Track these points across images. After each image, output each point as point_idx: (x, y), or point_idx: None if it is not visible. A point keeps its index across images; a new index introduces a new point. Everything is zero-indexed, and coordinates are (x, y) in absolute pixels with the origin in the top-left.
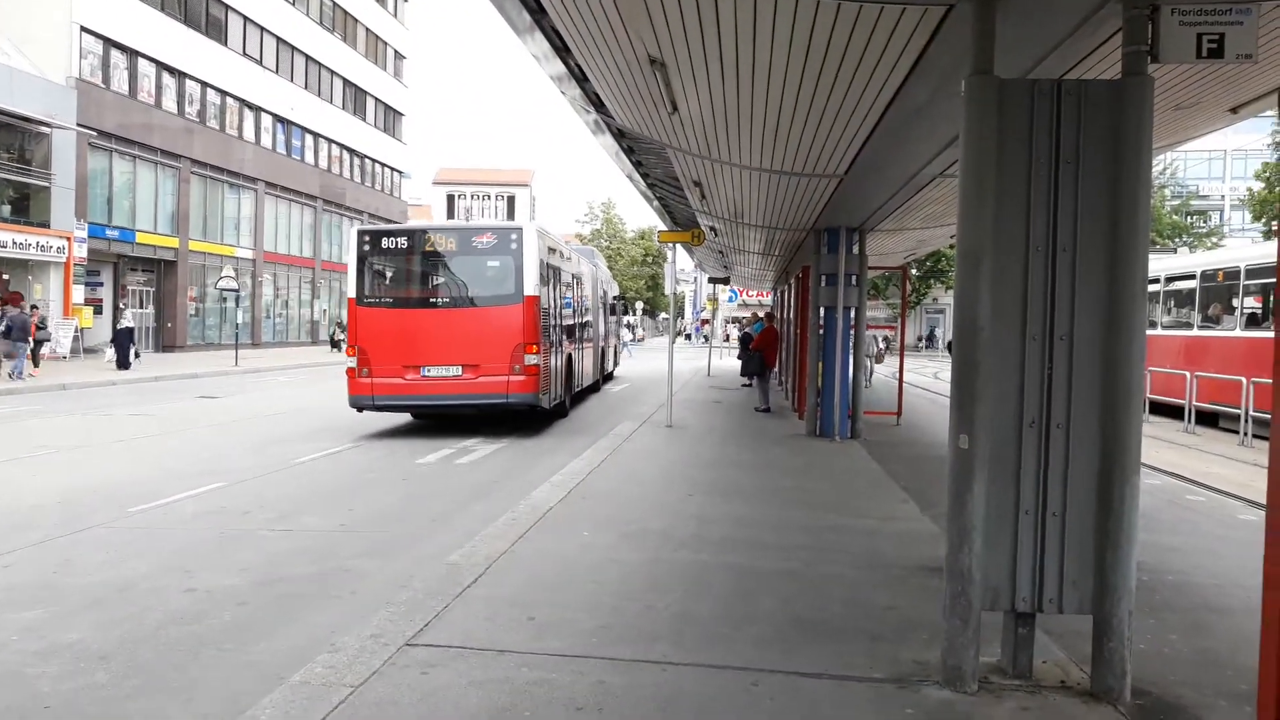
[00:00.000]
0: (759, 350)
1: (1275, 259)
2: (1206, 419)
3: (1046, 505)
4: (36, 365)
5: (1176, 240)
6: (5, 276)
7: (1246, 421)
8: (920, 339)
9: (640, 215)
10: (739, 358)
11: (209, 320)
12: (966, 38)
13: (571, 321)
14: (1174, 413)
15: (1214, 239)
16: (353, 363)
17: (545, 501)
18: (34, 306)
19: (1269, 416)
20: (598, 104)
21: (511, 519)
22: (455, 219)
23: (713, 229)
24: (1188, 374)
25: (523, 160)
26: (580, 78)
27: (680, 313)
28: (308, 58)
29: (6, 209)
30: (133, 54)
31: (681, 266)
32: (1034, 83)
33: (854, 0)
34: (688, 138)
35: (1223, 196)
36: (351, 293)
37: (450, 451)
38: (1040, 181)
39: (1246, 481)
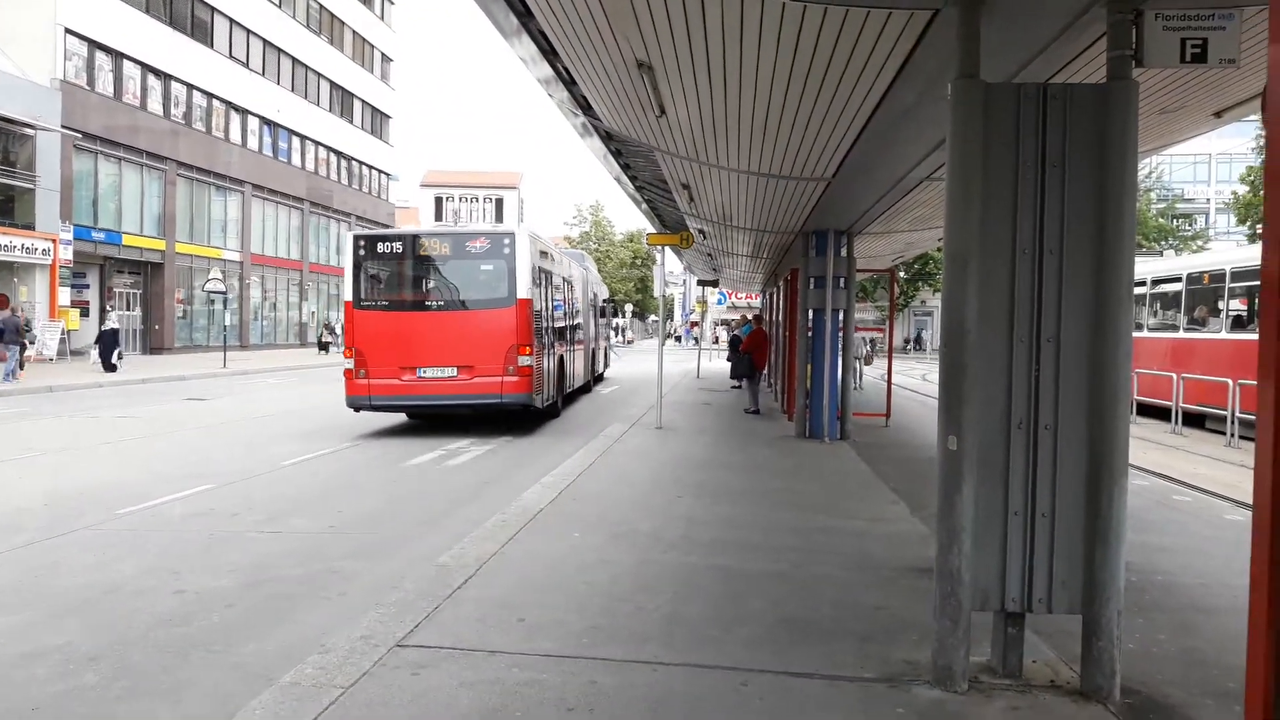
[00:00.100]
0: (748, 352)
1: (1260, 262)
2: (1193, 420)
3: (1035, 506)
4: (22, 368)
5: (1163, 243)
6: None
7: (1233, 423)
8: (907, 341)
9: (629, 218)
10: (728, 360)
11: (197, 322)
12: (952, 41)
13: (563, 324)
14: (1161, 414)
15: (1200, 242)
16: (350, 364)
17: (535, 503)
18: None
19: (1254, 418)
20: (585, 107)
21: (502, 520)
22: (443, 221)
23: (701, 231)
24: (1174, 376)
25: (511, 163)
26: (568, 81)
27: (670, 315)
28: (294, 60)
29: None
30: (118, 56)
31: (670, 269)
32: (1020, 86)
33: (840, 4)
34: (676, 141)
35: (1208, 200)
36: (348, 296)
37: (440, 453)
38: (1027, 185)
39: (1233, 482)
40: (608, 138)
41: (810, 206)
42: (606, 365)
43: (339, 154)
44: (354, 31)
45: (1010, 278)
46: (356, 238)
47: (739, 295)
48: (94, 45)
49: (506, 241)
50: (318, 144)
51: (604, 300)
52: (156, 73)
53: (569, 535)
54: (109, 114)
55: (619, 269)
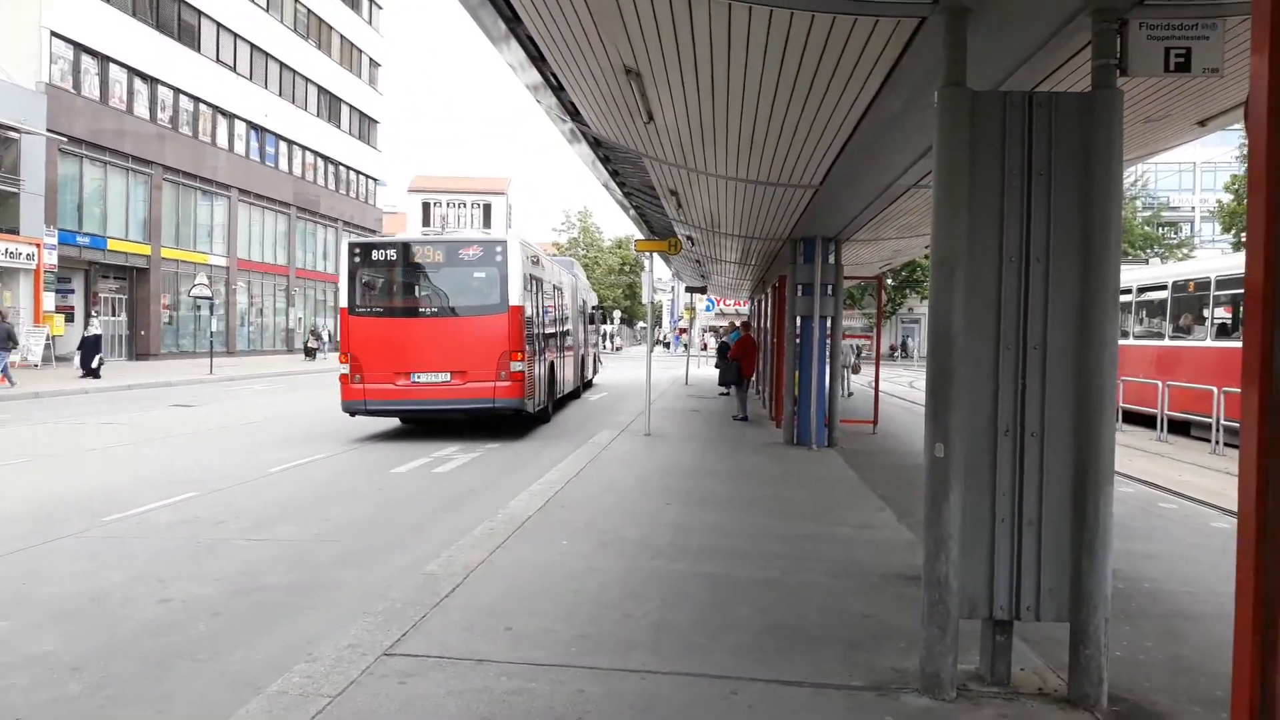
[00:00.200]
0: (736, 359)
1: (1244, 270)
2: (1178, 428)
3: (1022, 513)
4: (4, 374)
5: (1148, 251)
6: None
7: (1218, 430)
8: (893, 349)
9: (617, 224)
10: (716, 366)
11: (183, 328)
12: (939, 50)
13: (553, 330)
14: (1147, 422)
15: (1185, 250)
16: (345, 369)
17: (523, 511)
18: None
19: (1239, 425)
20: (574, 113)
21: (489, 528)
22: (431, 227)
23: (690, 238)
24: (1160, 383)
25: (499, 168)
26: (556, 87)
27: (658, 321)
28: (282, 64)
29: None
30: (104, 59)
31: (659, 275)
32: (1006, 95)
33: (827, 12)
34: (664, 147)
35: (1193, 208)
36: (344, 303)
37: (428, 460)
38: (1013, 192)
39: (1218, 489)
40: (596, 144)
41: (798, 213)
42: (595, 371)
43: (326, 159)
44: (342, 36)
45: (997, 285)
46: (351, 245)
47: (727, 302)
48: (79, 48)
49: (499, 249)
50: (305, 149)
51: (593, 307)
52: (143, 76)
53: (557, 543)
54: (94, 118)
55: (607, 275)
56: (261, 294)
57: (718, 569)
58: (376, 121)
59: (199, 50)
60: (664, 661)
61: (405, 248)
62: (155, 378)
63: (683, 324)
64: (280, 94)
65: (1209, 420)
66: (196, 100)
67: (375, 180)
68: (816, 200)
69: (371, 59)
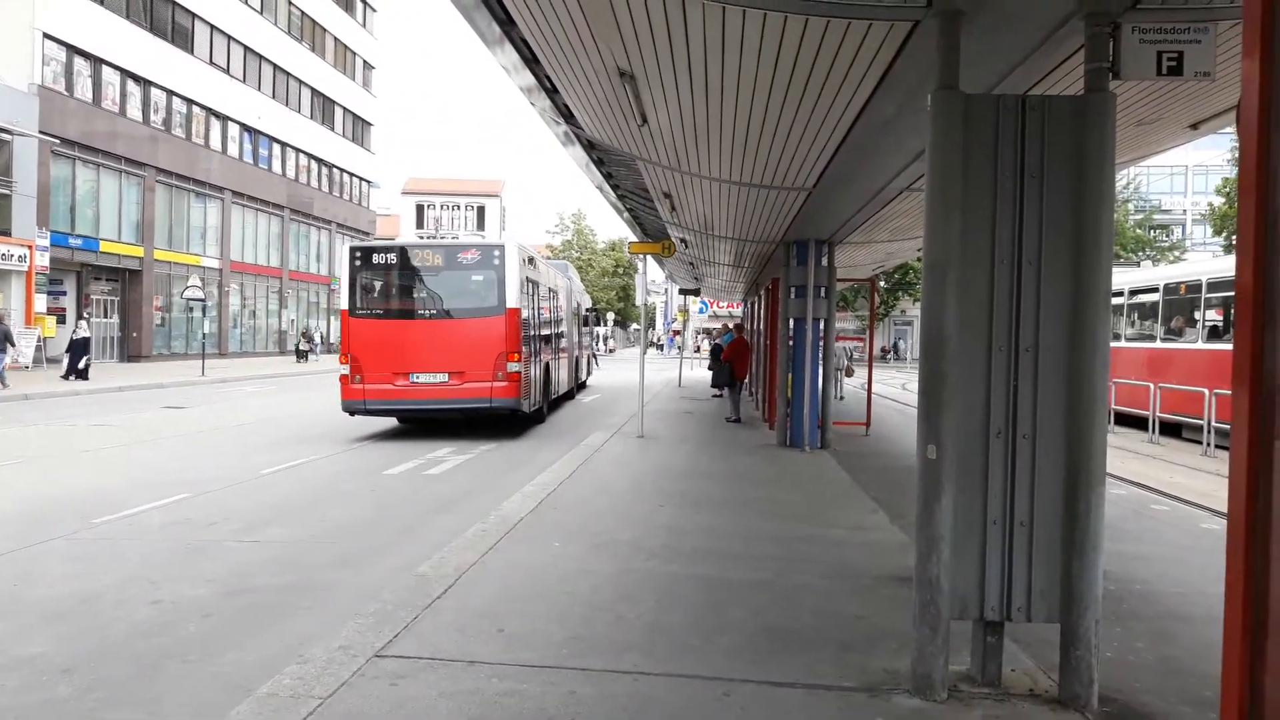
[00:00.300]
0: (729, 361)
1: (1235, 272)
2: (1170, 430)
3: (1014, 515)
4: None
5: (1140, 254)
6: None
7: (1209, 432)
8: (885, 350)
9: (611, 226)
10: (709, 368)
11: (175, 330)
12: (932, 53)
13: (549, 332)
14: (1138, 424)
15: (1176, 253)
16: (345, 370)
17: (515, 512)
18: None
19: (1230, 427)
20: (568, 116)
21: (482, 530)
22: (425, 229)
23: (683, 241)
24: (1151, 385)
25: (493, 171)
26: (550, 89)
27: (651, 324)
28: (275, 67)
29: None
30: (97, 61)
31: (652, 278)
32: (999, 98)
33: (821, 15)
34: (657, 150)
35: (1185, 211)
36: (344, 305)
37: (421, 461)
38: (1005, 195)
39: (1209, 491)
40: (590, 146)
41: (791, 216)
42: (590, 373)
43: (320, 161)
44: (335, 38)
45: (989, 287)
46: (352, 249)
47: (721, 304)
48: (72, 50)
49: (496, 253)
50: (298, 151)
51: (587, 309)
52: (136, 78)
53: (550, 545)
54: (87, 120)
55: (601, 277)
56: (254, 296)
57: (711, 571)
58: (370, 124)
59: (192, 52)
60: (657, 663)
61: (405, 251)
62: (147, 379)
63: (676, 326)
64: (274, 96)
65: (1200, 422)
66: (190, 102)
67: (369, 182)
68: (810, 203)
69: (365, 61)
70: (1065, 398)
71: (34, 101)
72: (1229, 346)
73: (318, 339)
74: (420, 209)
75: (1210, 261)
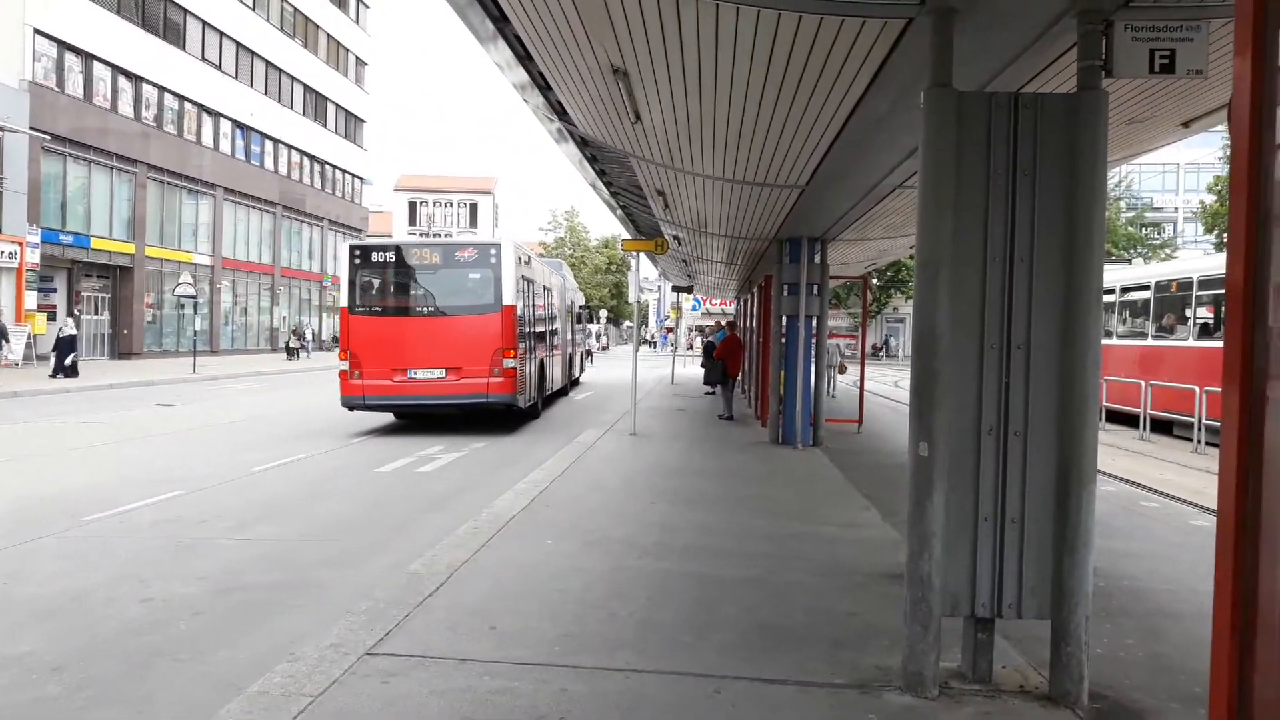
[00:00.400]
0: (722, 359)
1: (1225, 270)
2: (1161, 427)
3: (1005, 512)
4: None
5: (1131, 251)
6: None
7: (1199, 429)
8: (876, 348)
9: (604, 223)
10: (702, 365)
11: (166, 327)
12: (925, 50)
13: (543, 329)
14: (1129, 421)
15: (1168, 251)
16: (345, 366)
17: (508, 510)
18: None
19: (1220, 424)
20: (561, 113)
21: (473, 527)
22: (417, 226)
23: (676, 238)
24: (1142, 383)
25: (486, 168)
26: (543, 86)
27: (644, 321)
28: (268, 63)
29: None
30: (88, 57)
31: (645, 275)
32: (991, 95)
33: (814, 13)
34: (651, 147)
35: (1176, 209)
36: (344, 302)
37: (413, 459)
38: (998, 193)
39: (1199, 488)
40: (583, 144)
41: (784, 213)
42: (583, 370)
43: (312, 158)
44: (328, 35)
45: (981, 285)
46: (353, 247)
47: (713, 301)
48: (64, 46)
49: (493, 252)
50: (291, 148)
51: (580, 307)
52: (127, 75)
53: (542, 542)
54: (78, 116)
55: (594, 275)
56: (246, 293)
57: (703, 568)
58: (363, 120)
59: (184, 49)
60: (649, 660)
61: (404, 250)
62: (137, 377)
63: (669, 323)
64: (266, 93)
65: (1191, 419)
66: (181, 99)
67: (361, 179)
68: (803, 200)
69: (358, 58)
70: (1057, 395)
71: (25, 97)
72: (1220, 344)
73: (309, 336)
74: (413, 206)
75: (1201, 259)
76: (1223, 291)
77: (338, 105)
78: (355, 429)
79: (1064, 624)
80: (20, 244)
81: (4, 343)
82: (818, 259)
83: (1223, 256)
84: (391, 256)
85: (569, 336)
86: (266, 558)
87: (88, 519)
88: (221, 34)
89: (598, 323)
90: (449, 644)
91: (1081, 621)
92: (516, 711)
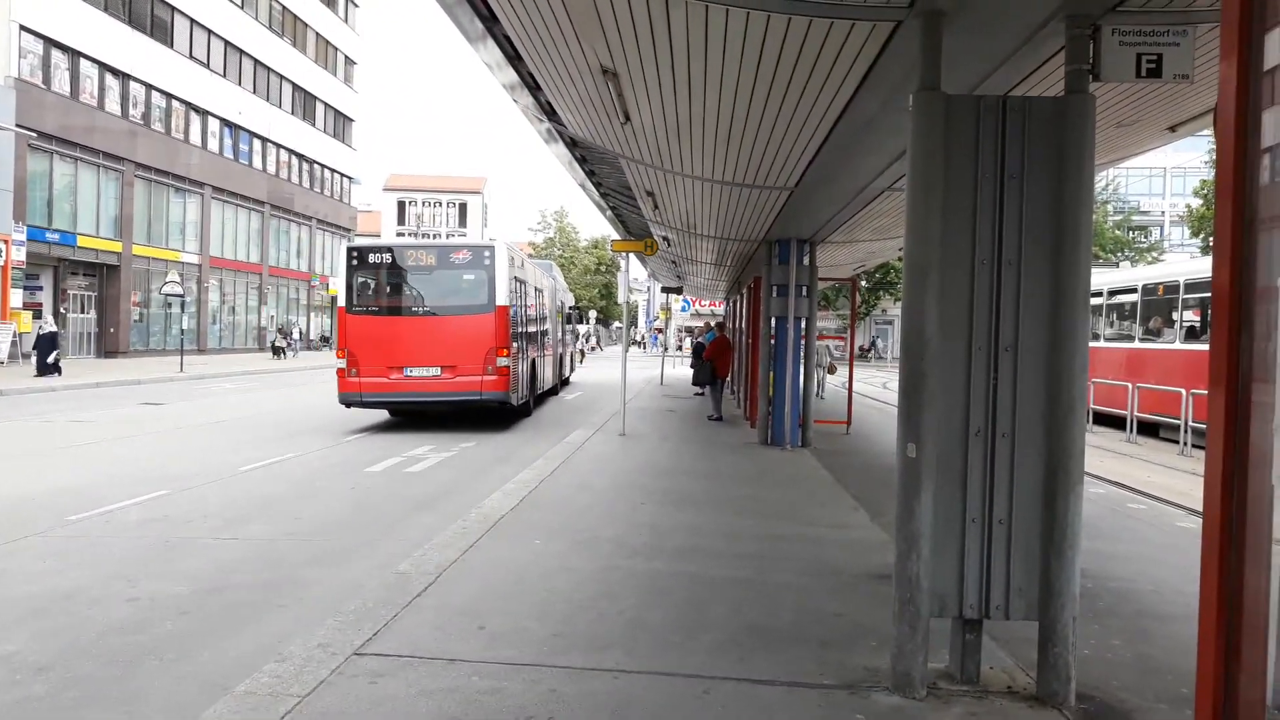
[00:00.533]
0: (711, 360)
1: (1211, 274)
2: (1148, 429)
3: (993, 513)
4: None
5: (1118, 255)
6: None
7: (1186, 432)
8: (863, 349)
9: (593, 224)
10: (692, 367)
11: (153, 326)
12: (914, 53)
13: (535, 330)
14: (1117, 423)
15: (1154, 254)
16: (343, 364)
17: (497, 510)
18: None
19: (1206, 427)
20: (550, 113)
21: (462, 527)
22: (406, 225)
23: (666, 239)
24: (1129, 385)
25: (475, 168)
26: (533, 86)
27: (634, 322)
28: (256, 61)
29: None
30: (75, 54)
31: (635, 275)
32: (980, 99)
33: (803, 15)
34: (640, 148)
35: (1163, 212)
36: (342, 302)
37: (401, 459)
38: (986, 196)
39: (1186, 490)
40: (573, 144)
41: (773, 215)
42: (573, 369)
43: (301, 157)
44: (317, 34)
45: (969, 287)
46: (350, 249)
47: (703, 302)
48: (50, 43)
49: (487, 254)
50: (279, 146)
51: (570, 307)
52: (115, 72)
53: (531, 542)
54: (65, 113)
55: (583, 275)
56: (234, 292)
57: (692, 568)
58: (352, 119)
59: (172, 46)
60: (638, 661)
61: (400, 251)
62: (124, 375)
63: (659, 324)
64: (254, 91)
65: (1177, 422)
66: (169, 96)
67: (350, 178)
68: (792, 202)
69: (347, 57)
70: (1044, 397)
71: (10, 94)
72: (1206, 347)
73: (296, 335)
74: (402, 205)
75: (1188, 262)
76: (1209, 295)
77: (326, 104)
78: (344, 428)
79: (1051, 625)
80: (6, 242)
81: None
82: (806, 261)
83: (1209, 260)
84: (388, 258)
85: (559, 337)
86: (254, 557)
87: (74, 518)
88: (210, 32)
89: (587, 323)
90: (437, 644)
91: (1069, 622)
92: (505, 712)
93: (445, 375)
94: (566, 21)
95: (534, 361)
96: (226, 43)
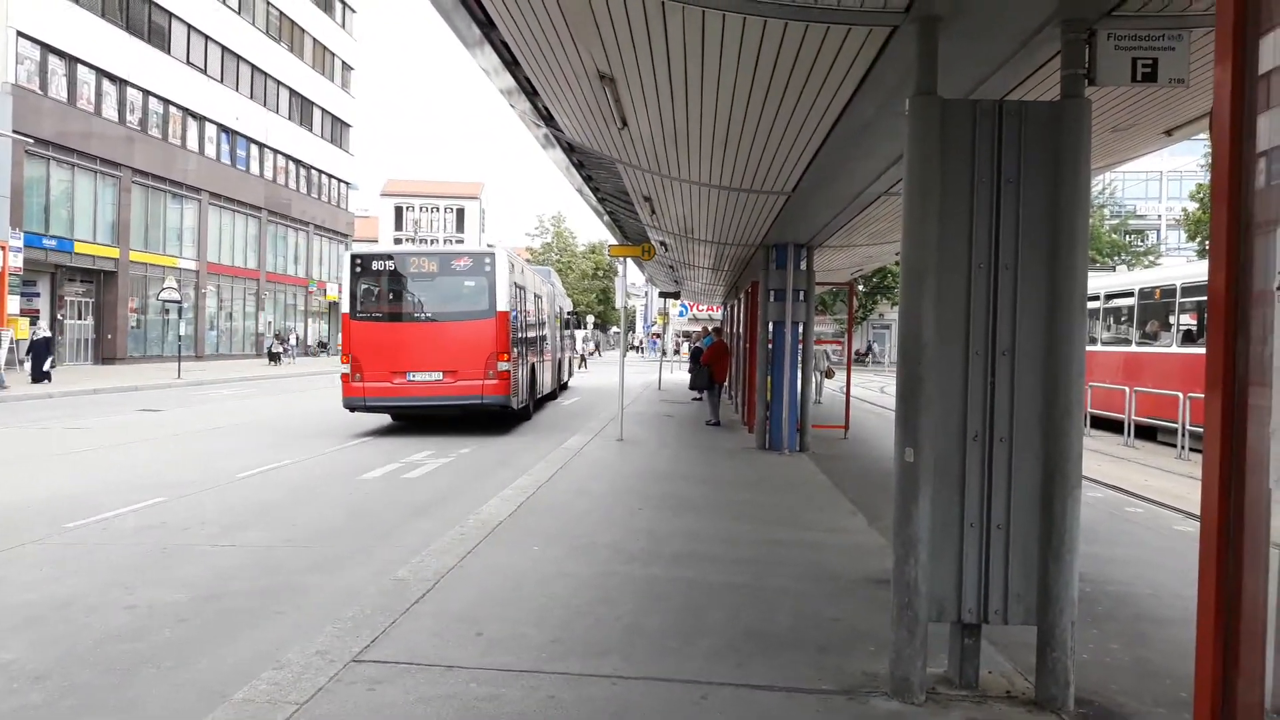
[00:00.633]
0: (709, 364)
1: (1208, 277)
2: (1145, 433)
3: (990, 518)
4: None
5: (1115, 259)
6: None
7: (1183, 435)
8: (859, 353)
9: (591, 229)
10: (689, 372)
11: (151, 332)
12: (910, 58)
13: (534, 335)
14: (1114, 427)
15: (1151, 258)
16: (347, 369)
17: (494, 516)
18: None
19: (1204, 430)
20: (548, 118)
21: (460, 534)
22: (404, 230)
23: (663, 244)
24: (1127, 389)
25: (472, 173)
26: (530, 92)
27: (631, 327)
28: (253, 67)
29: None
30: (71, 60)
31: (632, 280)
32: (976, 103)
33: (799, 20)
34: (638, 153)
35: (1159, 216)
36: (345, 308)
37: (399, 465)
38: (982, 200)
39: (1183, 494)
40: (570, 149)
41: (770, 220)
42: (571, 374)
43: (298, 162)
44: (314, 39)
45: (966, 292)
46: (353, 256)
47: (700, 307)
48: (47, 49)
49: (488, 260)
50: (276, 152)
51: (568, 313)
52: (111, 78)
53: (529, 548)
54: (62, 119)
55: (581, 280)
56: (231, 298)
57: (690, 574)
58: (349, 125)
59: (169, 52)
60: (636, 666)
61: (402, 258)
62: (121, 382)
63: (656, 329)
64: (251, 97)
65: (1175, 425)
66: (166, 102)
67: (347, 184)
68: (789, 207)
69: (344, 62)
70: (1041, 401)
71: (7, 100)
72: (1203, 350)
73: (293, 341)
74: (399, 211)
75: (1184, 266)
76: (1205, 298)
77: (324, 110)
78: (342, 434)
79: (1050, 629)
80: (3, 248)
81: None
82: (803, 265)
83: (1205, 264)
84: (390, 265)
85: (558, 342)
86: (252, 564)
87: (71, 525)
88: (207, 38)
89: (585, 328)
90: (436, 651)
91: (1067, 627)
92: (503, 718)
93: (447, 380)
94: (564, 27)
95: (533, 366)
96: (224, 48)
